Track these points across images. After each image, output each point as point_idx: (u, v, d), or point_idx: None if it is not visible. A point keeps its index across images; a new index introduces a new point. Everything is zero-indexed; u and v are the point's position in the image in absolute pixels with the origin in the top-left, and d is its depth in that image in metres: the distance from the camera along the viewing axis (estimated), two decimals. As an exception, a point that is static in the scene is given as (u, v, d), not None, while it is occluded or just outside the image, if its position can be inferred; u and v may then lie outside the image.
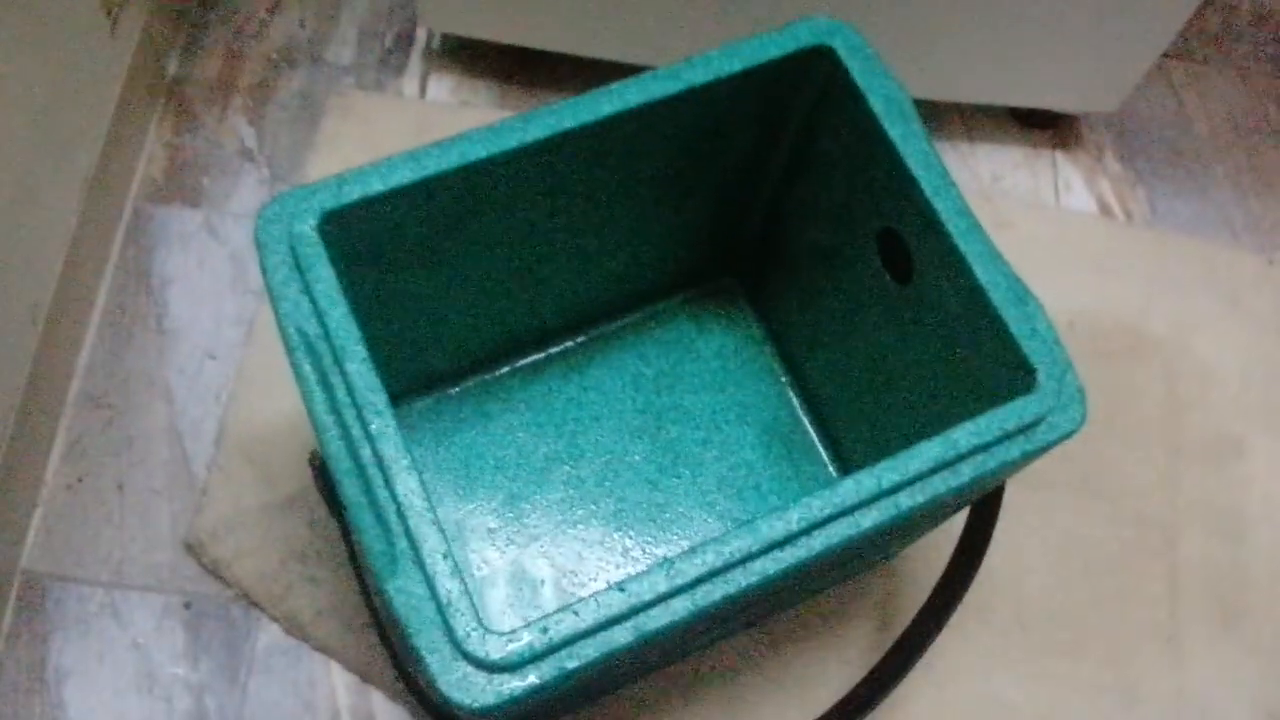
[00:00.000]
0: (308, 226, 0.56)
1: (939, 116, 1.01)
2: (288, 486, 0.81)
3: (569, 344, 0.83)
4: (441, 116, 0.98)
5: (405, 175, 0.58)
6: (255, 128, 0.97)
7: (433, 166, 0.58)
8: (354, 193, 0.57)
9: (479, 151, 0.59)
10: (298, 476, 0.81)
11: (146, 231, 0.91)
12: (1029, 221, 0.97)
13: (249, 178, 0.94)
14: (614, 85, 0.61)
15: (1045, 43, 0.89)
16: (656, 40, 0.91)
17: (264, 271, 0.56)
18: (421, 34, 1.02)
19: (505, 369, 0.81)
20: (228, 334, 0.87)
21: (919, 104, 0.63)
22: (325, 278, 0.55)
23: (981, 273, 0.59)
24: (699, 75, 0.61)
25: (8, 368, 0.77)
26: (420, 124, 0.97)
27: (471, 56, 1.01)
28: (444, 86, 1.00)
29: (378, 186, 0.58)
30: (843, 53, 0.62)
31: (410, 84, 1.00)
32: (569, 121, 0.60)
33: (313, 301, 0.55)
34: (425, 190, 0.59)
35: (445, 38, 1.02)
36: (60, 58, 0.80)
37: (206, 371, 0.86)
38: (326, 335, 0.55)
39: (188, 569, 0.80)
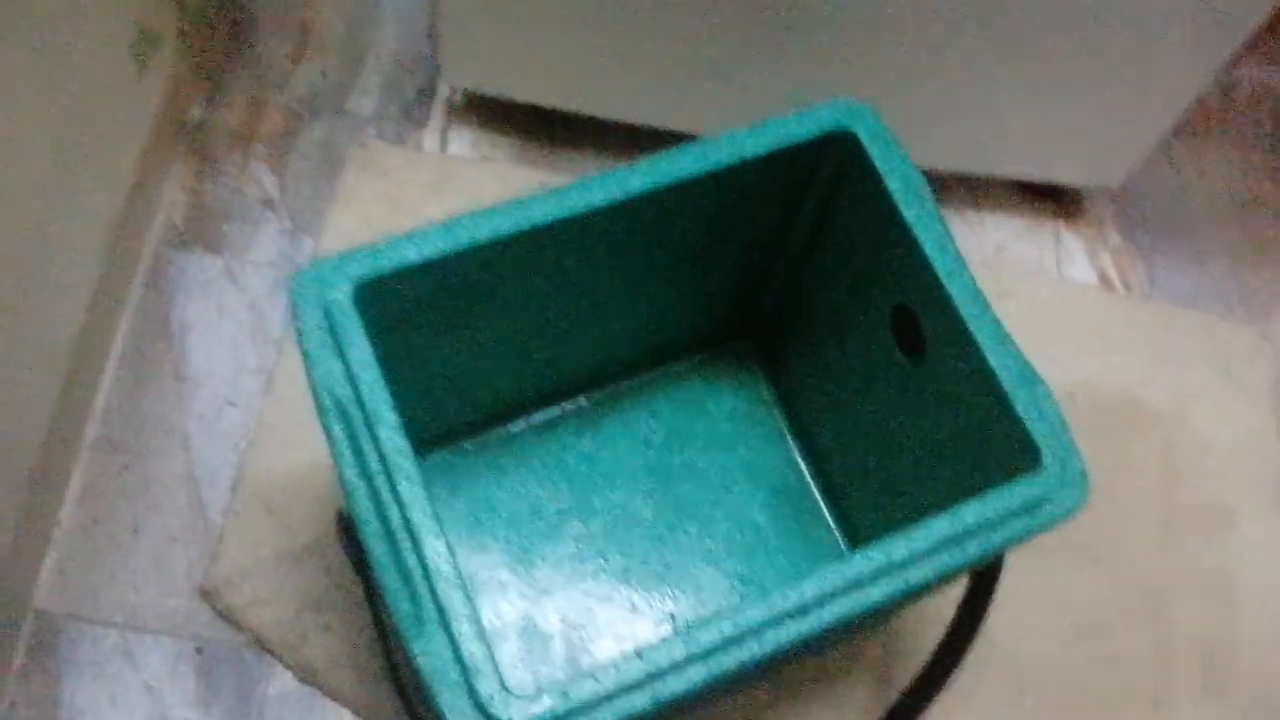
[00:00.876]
0: (342, 294, 0.58)
1: (947, 185, 1.03)
2: (304, 535, 0.82)
3: (583, 401, 0.84)
4: (462, 170, 0.99)
5: (438, 247, 0.59)
6: (277, 176, 0.98)
7: (466, 239, 0.60)
8: (388, 263, 0.59)
9: (511, 225, 0.60)
10: (315, 525, 0.82)
11: (166, 277, 0.92)
12: (1031, 291, 0.99)
13: (269, 226, 0.96)
14: (641, 162, 0.63)
15: (1053, 120, 0.91)
16: (675, 104, 0.93)
17: (299, 335, 0.58)
18: (444, 87, 1.04)
19: (520, 424, 0.83)
20: (246, 383, 0.88)
21: (928, 174, 0.65)
22: (359, 344, 0.57)
23: (991, 355, 0.61)
24: (726, 155, 0.63)
25: (31, 410, 0.78)
26: (440, 177, 0.98)
27: (493, 111, 1.02)
28: (464, 140, 1.02)
29: (412, 257, 0.59)
30: (864, 136, 0.64)
31: (431, 137, 1.01)
32: (599, 197, 0.61)
33: (346, 367, 0.57)
34: (457, 261, 0.60)
35: (467, 92, 1.03)
36: (86, 102, 0.82)
37: (225, 419, 0.87)
38: (359, 400, 0.56)
39: (201, 614, 0.81)
